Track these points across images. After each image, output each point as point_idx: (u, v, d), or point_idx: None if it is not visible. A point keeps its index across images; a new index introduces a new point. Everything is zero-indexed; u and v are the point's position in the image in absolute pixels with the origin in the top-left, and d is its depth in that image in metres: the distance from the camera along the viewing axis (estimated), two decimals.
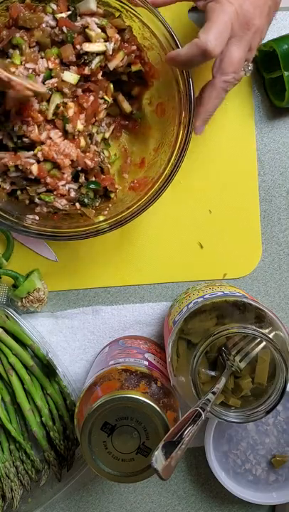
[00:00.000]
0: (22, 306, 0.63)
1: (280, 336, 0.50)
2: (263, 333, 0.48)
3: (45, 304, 0.65)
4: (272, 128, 0.67)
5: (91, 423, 0.51)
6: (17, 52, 0.52)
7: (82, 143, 0.56)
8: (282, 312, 0.69)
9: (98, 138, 0.59)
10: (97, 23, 0.53)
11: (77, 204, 0.58)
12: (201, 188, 0.66)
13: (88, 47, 0.53)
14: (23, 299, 0.63)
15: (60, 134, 0.55)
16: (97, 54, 0.53)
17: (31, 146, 0.55)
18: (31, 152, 0.54)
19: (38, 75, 0.53)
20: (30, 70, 0.53)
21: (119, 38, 0.54)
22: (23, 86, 0.50)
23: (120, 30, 0.55)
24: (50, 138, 0.54)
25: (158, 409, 0.51)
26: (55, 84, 0.53)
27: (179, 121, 0.54)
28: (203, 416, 0.45)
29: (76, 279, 0.66)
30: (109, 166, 0.61)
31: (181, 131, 0.54)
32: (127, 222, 0.56)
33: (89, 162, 0.56)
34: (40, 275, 0.65)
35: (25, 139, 0.54)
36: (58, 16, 0.53)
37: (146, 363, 0.55)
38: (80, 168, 0.57)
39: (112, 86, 0.57)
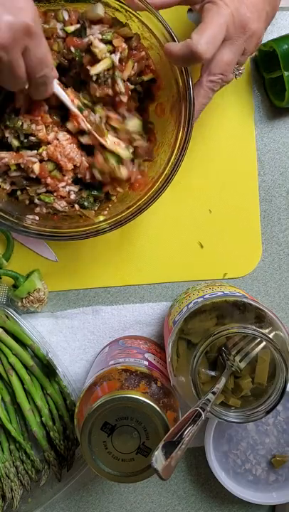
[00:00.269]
0: (22, 306, 0.63)
1: (280, 336, 0.50)
2: (263, 333, 0.48)
3: (46, 304, 0.65)
4: (272, 128, 0.67)
5: (91, 423, 0.51)
6: None
7: (100, 159, 0.56)
8: (282, 312, 0.69)
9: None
10: (102, 39, 0.53)
11: (77, 206, 0.58)
12: (201, 187, 0.66)
13: (94, 69, 0.53)
14: (24, 299, 0.63)
15: (68, 136, 0.55)
16: (108, 70, 0.53)
17: (36, 145, 0.55)
18: (35, 151, 0.55)
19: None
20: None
21: (126, 47, 0.54)
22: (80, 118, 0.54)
23: (127, 39, 0.54)
24: (58, 139, 0.54)
25: (158, 409, 0.51)
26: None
27: (178, 121, 0.54)
28: (203, 416, 0.45)
29: (76, 279, 0.66)
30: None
31: (181, 131, 0.54)
32: (127, 222, 0.56)
33: (89, 176, 0.57)
34: (41, 275, 0.65)
35: (32, 138, 0.54)
36: (67, 28, 0.53)
37: (146, 363, 0.55)
38: (80, 175, 0.57)
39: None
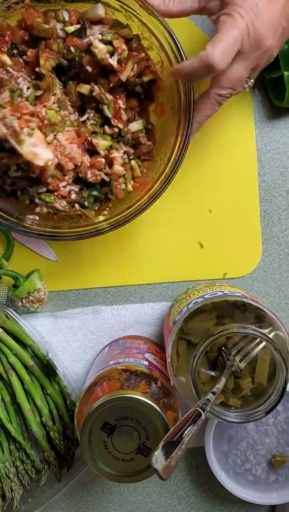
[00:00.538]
0: (22, 306, 0.63)
1: (280, 336, 0.50)
2: (263, 333, 0.48)
3: (46, 304, 0.65)
4: (272, 128, 0.67)
5: (91, 423, 0.51)
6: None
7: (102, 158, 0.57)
8: (282, 312, 0.69)
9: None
10: (102, 39, 0.53)
11: (77, 205, 0.58)
12: (201, 187, 0.66)
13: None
14: (24, 299, 0.63)
15: (68, 136, 0.55)
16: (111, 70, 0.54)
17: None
18: None
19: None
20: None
21: (126, 48, 0.54)
22: None
23: (128, 40, 0.54)
24: (57, 139, 0.54)
25: (158, 409, 0.51)
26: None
27: (178, 121, 0.54)
28: (203, 416, 0.45)
29: (76, 279, 0.66)
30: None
31: (181, 131, 0.54)
32: (127, 222, 0.56)
33: (90, 175, 0.57)
34: (41, 275, 0.65)
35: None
36: (67, 29, 0.53)
37: (146, 363, 0.55)
38: (81, 175, 0.57)
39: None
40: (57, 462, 0.64)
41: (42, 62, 0.53)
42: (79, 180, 0.58)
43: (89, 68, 0.53)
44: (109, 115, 0.55)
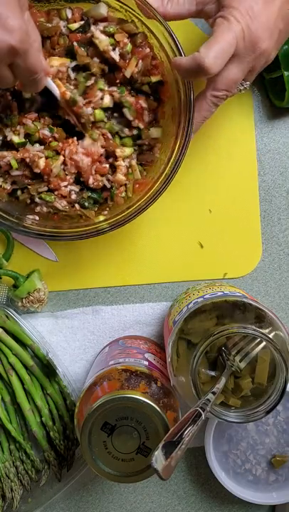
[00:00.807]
0: (22, 307, 0.63)
1: (280, 336, 0.50)
2: (263, 333, 0.48)
3: (46, 304, 0.65)
4: (272, 128, 0.67)
5: (91, 423, 0.51)
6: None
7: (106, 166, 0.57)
8: (282, 312, 0.69)
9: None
10: (104, 31, 0.53)
11: (77, 205, 0.58)
12: (201, 187, 0.66)
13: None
14: (24, 299, 0.63)
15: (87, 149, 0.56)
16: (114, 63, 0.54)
17: (43, 142, 0.56)
18: (42, 147, 0.55)
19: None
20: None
21: (128, 42, 0.53)
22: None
23: (132, 35, 0.54)
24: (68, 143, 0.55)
25: (158, 409, 0.51)
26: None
27: (178, 121, 0.54)
28: (203, 416, 0.45)
29: (76, 279, 0.66)
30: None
31: (181, 131, 0.54)
32: (127, 222, 0.56)
33: (92, 180, 0.57)
34: (41, 275, 0.65)
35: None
36: (71, 26, 0.53)
37: (146, 363, 0.55)
38: (82, 179, 0.57)
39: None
40: (57, 462, 0.64)
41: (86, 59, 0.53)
42: (79, 181, 0.58)
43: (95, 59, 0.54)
44: (130, 118, 0.55)
